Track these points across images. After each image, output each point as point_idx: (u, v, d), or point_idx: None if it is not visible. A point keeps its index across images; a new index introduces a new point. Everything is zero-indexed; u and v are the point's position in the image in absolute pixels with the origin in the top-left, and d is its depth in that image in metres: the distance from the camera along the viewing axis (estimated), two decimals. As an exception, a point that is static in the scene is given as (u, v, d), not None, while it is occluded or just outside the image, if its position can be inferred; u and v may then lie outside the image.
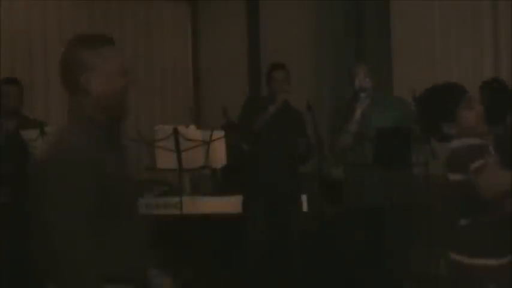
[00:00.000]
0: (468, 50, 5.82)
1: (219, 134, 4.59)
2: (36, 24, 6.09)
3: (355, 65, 4.68)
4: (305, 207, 4.92)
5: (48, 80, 6.11)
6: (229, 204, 4.84)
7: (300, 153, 4.88)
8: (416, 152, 4.41)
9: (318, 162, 4.89)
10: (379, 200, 4.40)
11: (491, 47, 5.70)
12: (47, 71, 6.10)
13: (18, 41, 5.95)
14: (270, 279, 4.88)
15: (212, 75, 7.32)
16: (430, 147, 4.40)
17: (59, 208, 1.87)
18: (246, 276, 5.01)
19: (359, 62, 4.93)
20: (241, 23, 7.28)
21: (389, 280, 4.45)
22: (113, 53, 2.08)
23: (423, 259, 4.99)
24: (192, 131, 4.59)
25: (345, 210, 4.76)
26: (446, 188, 2.75)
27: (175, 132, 4.41)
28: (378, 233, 4.44)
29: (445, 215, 2.87)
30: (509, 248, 2.70)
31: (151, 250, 2.15)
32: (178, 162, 4.43)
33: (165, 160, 4.51)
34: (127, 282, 2.00)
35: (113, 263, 1.96)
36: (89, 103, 2.02)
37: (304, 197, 4.91)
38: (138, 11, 6.75)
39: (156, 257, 2.19)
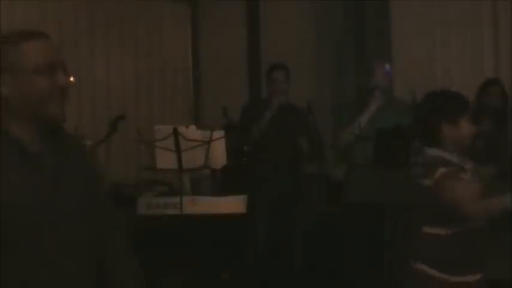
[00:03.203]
0: (468, 50, 5.82)
1: (219, 134, 4.58)
2: (36, 24, 6.08)
3: (374, 63, 4.69)
4: (306, 208, 4.92)
5: None
6: (230, 204, 4.83)
7: (302, 152, 4.88)
8: (417, 152, 4.41)
9: (318, 162, 4.90)
10: (379, 199, 4.40)
11: (491, 47, 5.70)
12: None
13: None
14: (270, 279, 4.88)
15: (212, 75, 7.31)
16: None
17: None
18: (246, 276, 5.01)
19: (379, 60, 4.91)
20: (241, 23, 7.28)
21: (389, 279, 4.45)
22: (35, 48, 1.75)
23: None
24: (192, 131, 4.58)
25: (344, 209, 4.76)
26: (419, 192, 2.78)
27: (175, 132, 4.40)
28: (378, 232, 4.43)
29: (413, 219, 2.89)
30: (474, 265, 2.69)
31: None
32: (178, 162, 4.43)
33: (165, 160, 4.51)
34: None
35: None
36: (4, 111, 1.73)
37: (305, 197, 4.92)
38: (138, 11, 6.74)
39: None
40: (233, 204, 4.80)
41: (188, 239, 4.80)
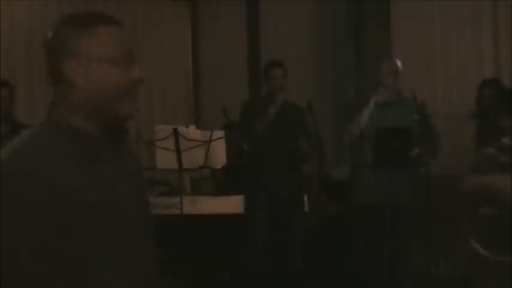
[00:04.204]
0: (468, 50, 5.82)
1: (219, 134, 4.58)
2: (36, 24, 6.08)
3: (383, 62, 4.70)
4: (306, 207, 4.92)
5: (48, 81, 6.10)
6: (230, 204, 4.83)
7: (302, 152, 4.88)
8: (417, 152, 4.41)
9: (318, 162, 4.89)
10: (384, 199, 4.39)
11: (491, 47, 5.70)
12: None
13: (18, 41, 5.94)
14: (270, 279, 4.88)
15: (212, 75, 7.31)
16: (431, 147, 4.41)
17: None
18: (246, 276, 5.01)
19: (388, 59, 4.91)
20: (241, 23, 7.28)
21: (390, 279, 4.44)
22: (112, 34, 1.54)
23: (423, 259, 4.99)
24: (192, 131, 4.58)
25: (349, 209, 4.77)
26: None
27: (175, 132, 4.40)
28: (380, 232, 4.43)
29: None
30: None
31: None
32: (178, 162, 4.43)
33: (165, 160, 4.50)
34: None
35: None
36: (71, 98, 1.51)
37: (305, 197, 4.92)
38: (138, 11, 6.74)
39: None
40: (233, 204, 4.80)
41: (188, 239, 4.80)
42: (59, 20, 1.57)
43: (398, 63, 4.70)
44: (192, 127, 4.67)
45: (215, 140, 4.50)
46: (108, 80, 1.51)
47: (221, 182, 5.64)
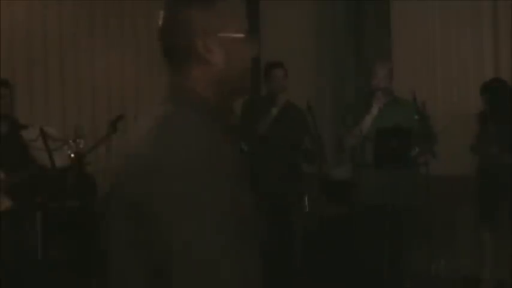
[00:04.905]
0: (468, 50, 5.82)
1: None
2: (36, 24, 6.08)
3: (375, 64, 4.65)
4: (306, 207, 4.92)
5: (48, 81, 6.10)
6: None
7: (305, 153, 4.88)
8: (417, 152, 4.41)
9: (319, 162, 4.89)
10: (386, 200, 4.39)
11: (491, 47, 5.70)
12: (47, 72, 6.10)
13: (18, 41, 5.94)
14: (270, 278, 4.87)
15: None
16: (429, 146, 4.41)
17: (190, 230, 1.28)
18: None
19: (380, 61, 4.87)
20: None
21: (390, 279, 4.44)
22: (233, 8, 1.49)
23: (423, 259, 4.99)
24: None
25: (351, 209, 4.76)
26: None
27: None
28: (380, 232, 4.43)
29: None
30: None
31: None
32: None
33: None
34: None
35: None
36: (204, 78, 1.46)
37: (305, 197, 4.91)
38: (138, 11, 6.73)
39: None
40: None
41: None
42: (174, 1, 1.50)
43: (391, 64, 4.70)
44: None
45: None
46: (240, 56, 1.47)
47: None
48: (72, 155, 4.44)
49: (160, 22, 1.51)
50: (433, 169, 4.50)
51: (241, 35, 1.46)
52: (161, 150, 1.34)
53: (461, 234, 5.50)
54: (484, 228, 4.99)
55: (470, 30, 5.80)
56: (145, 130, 1.42)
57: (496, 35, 5.67)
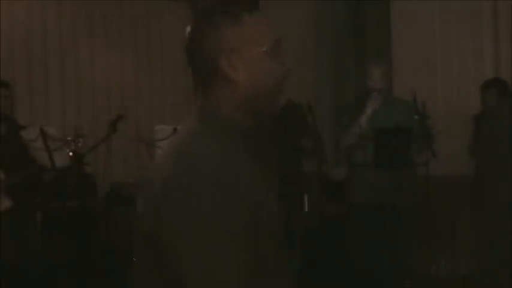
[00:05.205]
0: (468, 50, 5.82)
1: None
2: (36, 24, 6.08)
3: (370, 65, 4.64)
4: (306, 207, 4.92)
5: (48, 81, 6.11)
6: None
7: (305, 151, 4.88)
8: (417, 152, 4.41)
9: (318, 162, 4.89)
10: (382, 199, 4.40)
11: (491, 47, 5.70)
12: (47, 72, 6.10)
13: (18, 41, 5.95)
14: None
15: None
16: (430, 147, 4.41)
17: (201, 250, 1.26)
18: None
19: (375, 62, 4.87)
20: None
21: (390, 279, 4.44)
22: (260, 21, 1.43)
23: (423, 259, 4.99)
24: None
25: (348, 209, 4.76)
26: None
27: (175, 132, 4.40)
28: (379, 232, 4.43)
29: None
30: None
31: None
32: (178, 162, 4.42)
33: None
34: None
35: None
36: (229, 97, 1.41)
37: (305, 197, 4.91)
38: (138, 11, 6.74)
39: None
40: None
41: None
42: (201, 13, 1.44)
43: (386, 65, 4.70)
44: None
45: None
46: (267, 73, 1.41)
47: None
48: (71, 154, 4.45)
49: (186, 39, 1.46)
50: (432, 169, 4.50)
51: (266, 51, 1.40)
52: (183, 175, 1.31)
53: (461, 234, 5.50)
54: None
55: (470, 30, 5.80)
56: (172, 151, 1.41)
57: (496, 35, 5.67)
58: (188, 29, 1.45)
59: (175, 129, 4.42)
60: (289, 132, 4.88)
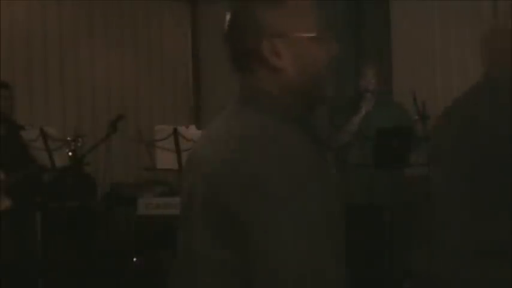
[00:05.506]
0: (468, 50, 5.82)
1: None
2: (36, 24, 6.08)
3: (363, 66, 4.69)
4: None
5: (48, 81, 6.11)
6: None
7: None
8: (417, 152, 4.41)
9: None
10: (378, 199, 4.41)
11: (491, 47, 5.70)
12: (47, 72, 6.11)
13: (18, 41, 5.95)
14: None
15: (212, 75, 7.31)
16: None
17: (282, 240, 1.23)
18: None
19: (368, 63, 4.91)
20: (241, 23, 7.27)
21: (390, 279, 4.45)
22: (306, 7, 1.39)
23: (423, 259, 4.99)
24: (192, 131, 4.58)
25: (348, 209, 4.76)
26: None
27: (175, 132, 4.41)
28: (378, 232, 4.43)
29: None
30: None
31: None
32: (178, 162, 4.43)
33: (165, 160, 4.51)
34: None
35: None
36: (276, 83, 1.33)
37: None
38: (138, 11, 6.74)
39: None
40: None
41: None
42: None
43: (379, 66, 4.71)
44: (192, 127, 4.67)
45: (215, 140, 4.49)
46: (313, 60, 1.34)
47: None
48: (71, 154, 4.45)
49: (226, 24, 1.40)
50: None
51: (312, 35, 1.33)
52: (254, 158, 1.24)
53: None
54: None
55: (470, 30, 5.80)
56: (219, 137, 1.34)
57: (496, 35, 5.67)
58: (227, 16, 1.39)
59: (175, 129, 4.42)
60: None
